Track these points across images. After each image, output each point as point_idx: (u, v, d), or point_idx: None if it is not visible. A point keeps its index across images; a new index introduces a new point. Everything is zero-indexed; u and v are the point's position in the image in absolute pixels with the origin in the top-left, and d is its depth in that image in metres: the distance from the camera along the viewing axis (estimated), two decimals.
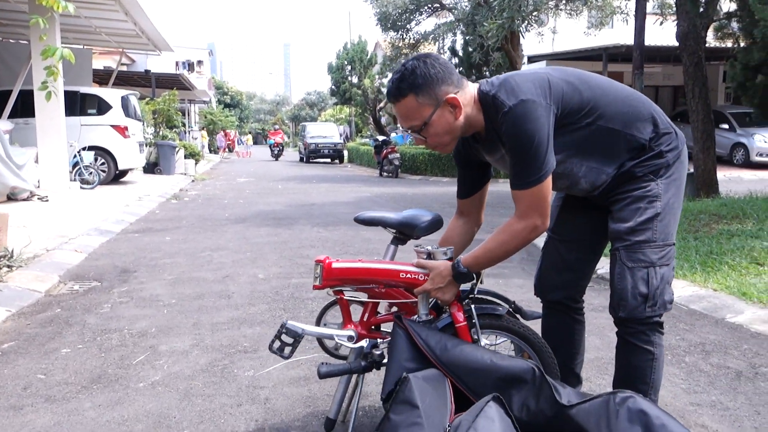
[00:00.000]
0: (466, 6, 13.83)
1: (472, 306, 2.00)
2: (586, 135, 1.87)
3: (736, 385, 2.65)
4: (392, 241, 2.24)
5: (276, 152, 28.94)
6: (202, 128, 33.91)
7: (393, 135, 22.90)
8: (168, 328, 3.44)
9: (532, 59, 19.21)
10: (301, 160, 27.45)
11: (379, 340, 2.11)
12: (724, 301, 3.87)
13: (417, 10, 15.56)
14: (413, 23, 16.09)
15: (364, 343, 2.04)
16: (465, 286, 2.00)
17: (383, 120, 28.89)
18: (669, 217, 1.91)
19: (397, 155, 17.05)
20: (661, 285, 1.89)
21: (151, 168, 15.22)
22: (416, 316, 2.03)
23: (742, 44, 6.78)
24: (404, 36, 16.37)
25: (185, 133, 24.27)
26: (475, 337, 1.98)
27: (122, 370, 2.83)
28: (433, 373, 1.84)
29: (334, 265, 2.03)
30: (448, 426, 1.63)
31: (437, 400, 1.75)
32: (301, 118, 53.49)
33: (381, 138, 19.18)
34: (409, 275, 2.01)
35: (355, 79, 28.09)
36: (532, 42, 15.27)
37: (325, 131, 27.42)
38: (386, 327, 2.18)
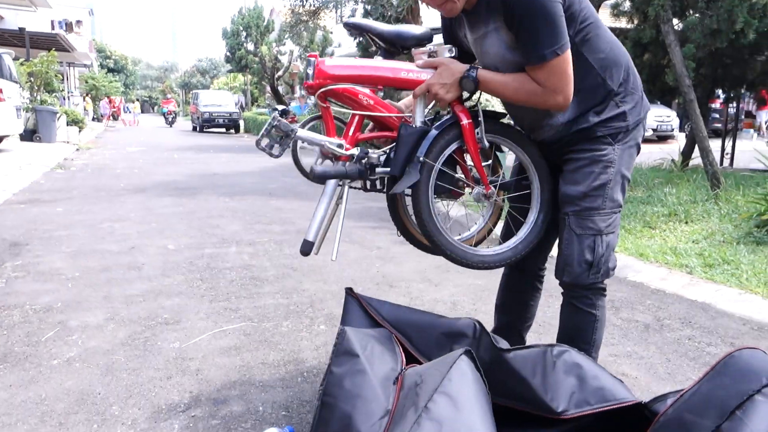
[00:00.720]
0: None
1: (479, 105, 1.88)
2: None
3: (646, 336, 2.85)
4: (380, 54, 2.06)
5: (170, 120, 30.96)
6: (86, 94, 31.68)
7: (292, 105, 22.48)
8: (76, 302, 3.21)
9: (433, 30, 19.38)
10: (194, 129, 26.40)
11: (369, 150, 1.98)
12: (625, 261, 4.14)
13: None
14: None
15: (355, 150, 1.89)
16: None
17: (281, 89, 28.23)
18: (619, 185, 1.89)
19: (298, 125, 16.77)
20: (606, 253, 1.89)
21: (29, 135, 14.01)
22: (407, 123, 1.91)
23: (635, 22, 7.19)
24: (304, 2, 15.98)
25: (65, 98, 22.56)
26: (479, 135, 1.87)
27: (31, 348, 2.60)
28: (377, 330, 1.84)
29: (327, 61, 1.84)
30: (402, 370, 1.63)
31: (382, 351, 1.75)
32: (192, 86, 51.27)
33: (280, 107, 18.61)
34: (411, 74, 1.86)
35: (251, 46, 27.18)
36: (434, 13, 15.39)
37: (219, 99, 26.47)
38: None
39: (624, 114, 1.85)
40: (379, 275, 3.82)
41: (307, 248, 1.90)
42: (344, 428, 1.59)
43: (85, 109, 28.30)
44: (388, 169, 1.87)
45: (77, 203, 6.36)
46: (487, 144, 1.90)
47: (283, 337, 2.76)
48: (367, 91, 1.89)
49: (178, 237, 4.81)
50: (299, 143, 2.09)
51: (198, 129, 25.65)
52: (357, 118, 1.94)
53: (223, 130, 25.67)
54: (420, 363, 1.76)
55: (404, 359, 1.74)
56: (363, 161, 1.88)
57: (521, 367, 1.73)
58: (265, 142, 1.83)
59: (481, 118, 1.88)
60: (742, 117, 19.84)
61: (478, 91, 1.85)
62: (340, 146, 1.88)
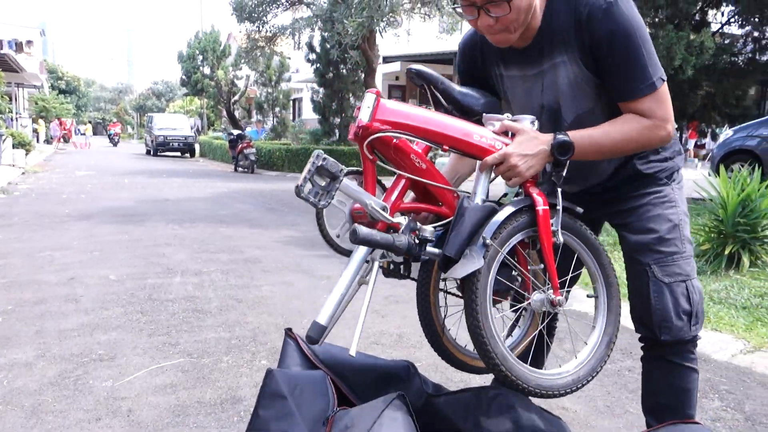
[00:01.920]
0: (325, 2, 13.82)
1: (558, 191, 1.57)
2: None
3: None
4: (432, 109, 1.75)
5: (115, 141, 35.48)
6: (36, 117, 30.86)
7: (248, 129, 22.33)
8: (5, 338, 3.06)
9: (387, 59, 19.65)
10: (149, 153, 25.96)
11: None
12: (572, 292, 4.19)
13: (274, 2, 15.27)
14: (270, 16, 15.76)
15: (402, 219, 1.53)
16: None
17: (237, 113, 28.06)
18: (688, 225, 1.73)
19: (253, 150, 16.67)
20: (701, 299, 1.71)
21: None
22: (468, 196, 1.59)
23: None
24: (260, 28, 15.99)
25: (12, 120, 21.92)
26: (555, 228, 1.57)
27: None
28: (311, 372, 1.79)
29: (390, 103, 1.51)
30: (333, 412, 1.59)
31: (313, 393, 1.70)
32: (147, 109, 50.44)
33: (236, 132, 18.61)
34: (484, 139, 1.55)
35: (207, 70, 27.01)
36: (388, 42, 15.60)
37: (174, 123, 26.13)
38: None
39: (666, 158, 1.74)
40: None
41: (316, 334, 1.51)
42: None
43: (35, 131, 27.56)
44: (438, 251, 1.52)
45: (17, 230, 6.13)
46: (561, 240, 1.58)
47: (222, 374, 2.68)
48: (419, 150, 1.59)
49: (121, 266, 4.67)
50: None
51: (152, 153, 25.21)
52: (404, 181, 1.59)
53: (178, 154, 25.29)
54: (354, 405, 1.72)
55: (336, 401, 1.70)
56: (414, 234, 1.52)
57: (452, 412, 1.70)
58: (308, 188, 1.45)
59: (560, 207, 1.58)
60: (688, 147, 20.61)
61: (562, 174, 1.58)
62: (384, 209, 1.52)
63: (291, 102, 27.41)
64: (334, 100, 17.94)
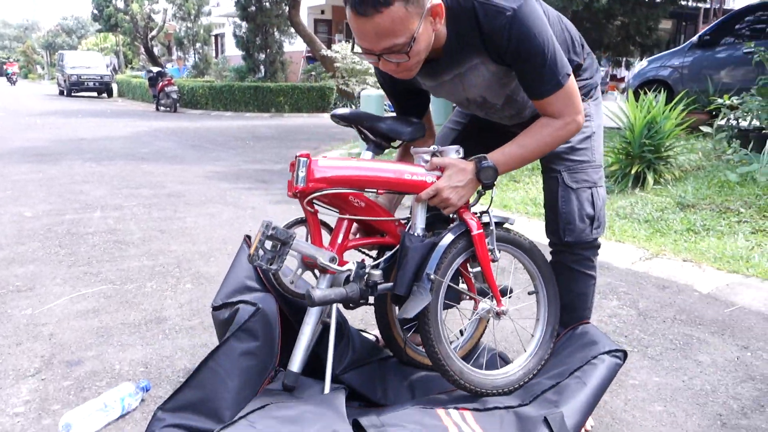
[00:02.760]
0: None
1: (490, 211, 1.72)
2: None
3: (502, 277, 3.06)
4: (369, 147, 1.84)
5: (14, 80, 35.00)
6: None
7: (169, 67, 21.41)
8: None
9: None
10: (62, 93, 24.52)
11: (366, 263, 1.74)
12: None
13: None
14: None
15: (351, 265, 1.66)
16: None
17: (156, 50, 26.73)
18: (600, 138, 1.85)
19: (175, 88, 16.03)
20: (603, 206, 1.85)
21: None
22: (410, 230, 1.72)
23: None
24: None
25: None
26: (491, 247, 1.70)
27: None
28: (264, 296, 1.81)
29: (321, 162, 1.57)
30: (274, 367, 1.67)
31: (270, 337, 1.75)
32: (57, 46, 47.27)
33: (155, 69, 17.79)
34: (416, 176, 1.66)
35: (121, 4, 25.43)
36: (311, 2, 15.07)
37: (88, 61, 24.70)
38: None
39: (588, 71, 1.84)
40: (252, 234, 3.80)
41: (292, 382, 1.63)
42: (216, 398, 1.60)
43: None
44: (390, 285, 1.64)
45: None
46: (499, 257, 1.72)
47: (146, 297, 2.70)
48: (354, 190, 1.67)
49: (36, 204, 4.52)
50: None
51: (66, 93, 23.84)
52: (346, 222, 1.72)
53: (95, 94, 24.03)
54: (296, 332, 1.74)
55: (279, 354, 1.74)
56: (363, 280, 1.64)
57: (360, 385, 1.78)
58: (260, 255, 1.56)
59: (493, 227, 1.71)
60: (607, 80, 21.21)
61: (492, 193, 1.70)
62: (333, 260, 1.65)
63: (213, 38, 26.30)
64: (257, 35, 17.34)
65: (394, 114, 1.91)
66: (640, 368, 2.16)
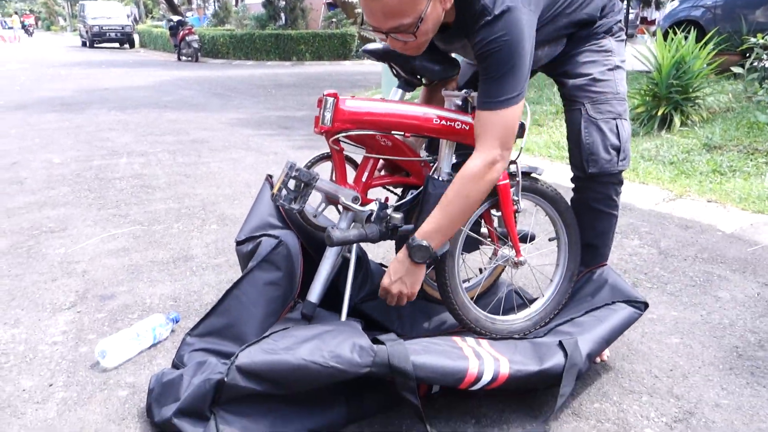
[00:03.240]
0: None
1: (518, 162, 1.69)
2: (554, 27, 1.71)
3: (522, 219, 3.07)
4: (399, 84, 1.80)
5: (30, 31, 36.52)
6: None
7: (189, 16, 21.23)
8: None
9: None
10: (84, 45, 24.59)
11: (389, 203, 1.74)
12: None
13: None
14: None
15: (374, 206, 1.66)
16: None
17: None
18: (623, 74, 1.82)
19: (196, 37, 15.96)
20: (628, 138, 1.81)
21: None
22: (435, 172, 1.71)
23: None
24: None
25: None
26: (515, 198, 1.69)
27: None
28: (286, 233, 1.86)
29: (349, 103, 1.57)
30: (293, 298, 1.72)
31: (292, 270, 1.80)
32: None
33: (176, 19, 17.67)
34: (444, 121, 1.63)
35: None
36: None
37: (109, 12, 24.62)
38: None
39: (611, 12, 1.82)
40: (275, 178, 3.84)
41: (310, 311, 1.67)
42: (241, 324, 1.66)
43: None
44: (411, 227, 1.63)
45: None
46: (522, 207, 1.70)
47: (173, 238, 2.77)
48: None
49: (65, 151, 4.60)
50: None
51: (88, 44, 23.91)
52: (372, 161, 1.71)
53: (117, 45, 24.04)
54: (317, 262, 1.78)
55: (300, 287, 1.79)
56: (384, 221, 1.65)
57: (379, 315, 1.82)
58: (283, 195, 1.58)
59: (519, 178, 1.69)
60: (637, 23, 20.56)
61: (522, 142, 1.65)
62: (356, 199, 1.66)
63: None
64: None
65: None
66: (659, 303, 2.18)
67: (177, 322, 1.95)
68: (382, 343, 1.41)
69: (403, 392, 1.37)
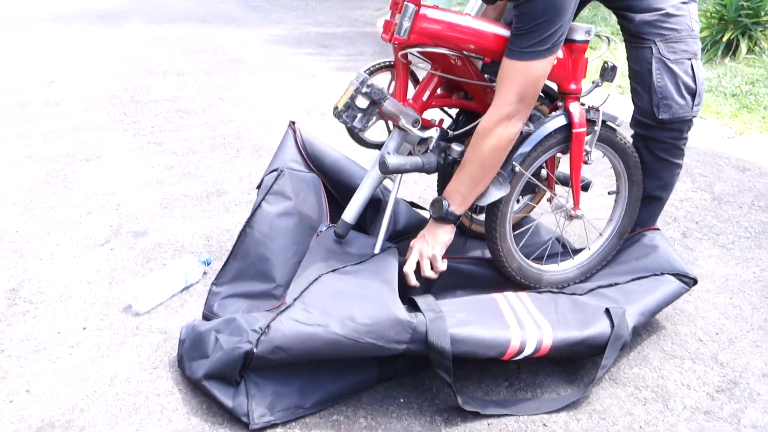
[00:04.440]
0: None
1: (601, 109, 1.57)
2: None
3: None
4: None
5: None
6: None
7: None
8: None
9: None
10: None
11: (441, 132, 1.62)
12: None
13: None
14: None
15: (434, 132, 1.56)
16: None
17: None
18: (695, 7, 1.66)
19: None
20: (703, 79, 1.66)
21: None
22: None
23: None
24: None
25: None
26: (588, 149, 1.59)
27: None
28: (309, 176, 1.82)
29: (431, 14, 1.41)
30: (324, 227, 1.66)
31: (312, 200, 1.77)
32: None
33: None
34: None
35: None
36: None
37: None
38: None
39: None
40: (311, 104, 3.74)
41: (343, 231, 1.59)
42: (262, 261, 1.65)
43: None
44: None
45: None
46: (592, 159, 1.59)
47: (207, 170, 2.73)
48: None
49: (101, 69, 4.54)
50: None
51: None
52: (436, 79, 1.58)
53: None
54: (343, 207, 1.72)
55: (328, 212, 1.75)
56: (443, 153, 1.54)
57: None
58: (348, 112, 1.45)
59: (598, 127, 1.56)
60: None
61: (611, 86, 1.55)
62: (416, 122, 1.54)
63: None
64: None
65: None
66: (709, 257, 2.07)
67: (209, 264, 1.94)
68: (419, 310, 1.35)
69: (437, 369, 1.32)
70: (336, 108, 1.45)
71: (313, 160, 1.86)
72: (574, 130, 1.53)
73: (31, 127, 3.28)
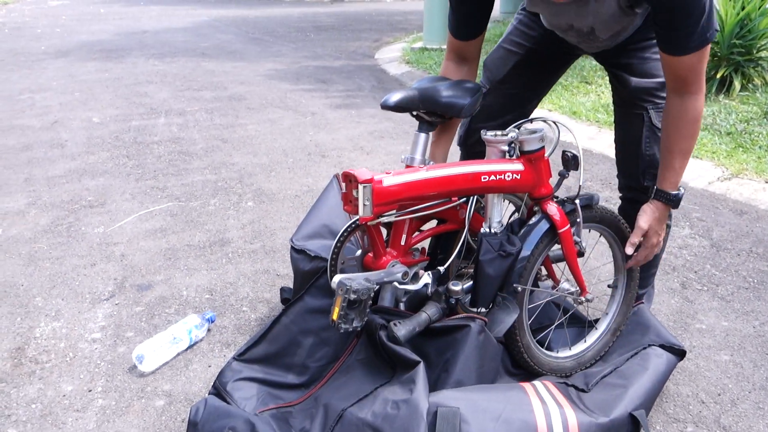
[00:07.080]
0: None
1: (577, 200, 1.56)
2: None
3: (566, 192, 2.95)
4: (422, 128, 1.61)
5: None
6: None
7: None
8: None
9: None
10: None
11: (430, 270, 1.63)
12: (557, 119, 4.17)
13: None
14: None
15: (427, 278, 1.57)
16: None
17: None
18: None
19: None
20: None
21: None
22: (484, 226, 1.57)
23: None
24: None
25: None
26: (577, 239, 1.59)
27: None
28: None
29: (387, 182, 1.37)
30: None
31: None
32: None
33: None
34: (493, 176, 1.46)
35: None
36: None
37: None
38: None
39: None
40: (311, 144, 3.78)
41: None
42: (288, 355, 1.62)
43: None
44: (470, 299, 1.57)
45: None
46: (585, 247, 1.60)
47: (210, 217, 2.76)
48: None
49: (104, 108, 4.60)
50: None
51: None
52: (407, 222, 1.55)
53: None
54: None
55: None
56: (443, 298, 1.55)
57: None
58: (345, 320, 1.42)
59: (580, 219, 1.56)
60: None
61: (581, 178, 1.56)
62: (405, 275, 1.53)
63: None
64: None
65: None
66: (709, 310, 2.08)
67: (212, 321, 1.95)
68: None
69: None
70: (333, 321, 1.42)
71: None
72: (559, 231, 1.54)
73: (35, 170, 3.31)
